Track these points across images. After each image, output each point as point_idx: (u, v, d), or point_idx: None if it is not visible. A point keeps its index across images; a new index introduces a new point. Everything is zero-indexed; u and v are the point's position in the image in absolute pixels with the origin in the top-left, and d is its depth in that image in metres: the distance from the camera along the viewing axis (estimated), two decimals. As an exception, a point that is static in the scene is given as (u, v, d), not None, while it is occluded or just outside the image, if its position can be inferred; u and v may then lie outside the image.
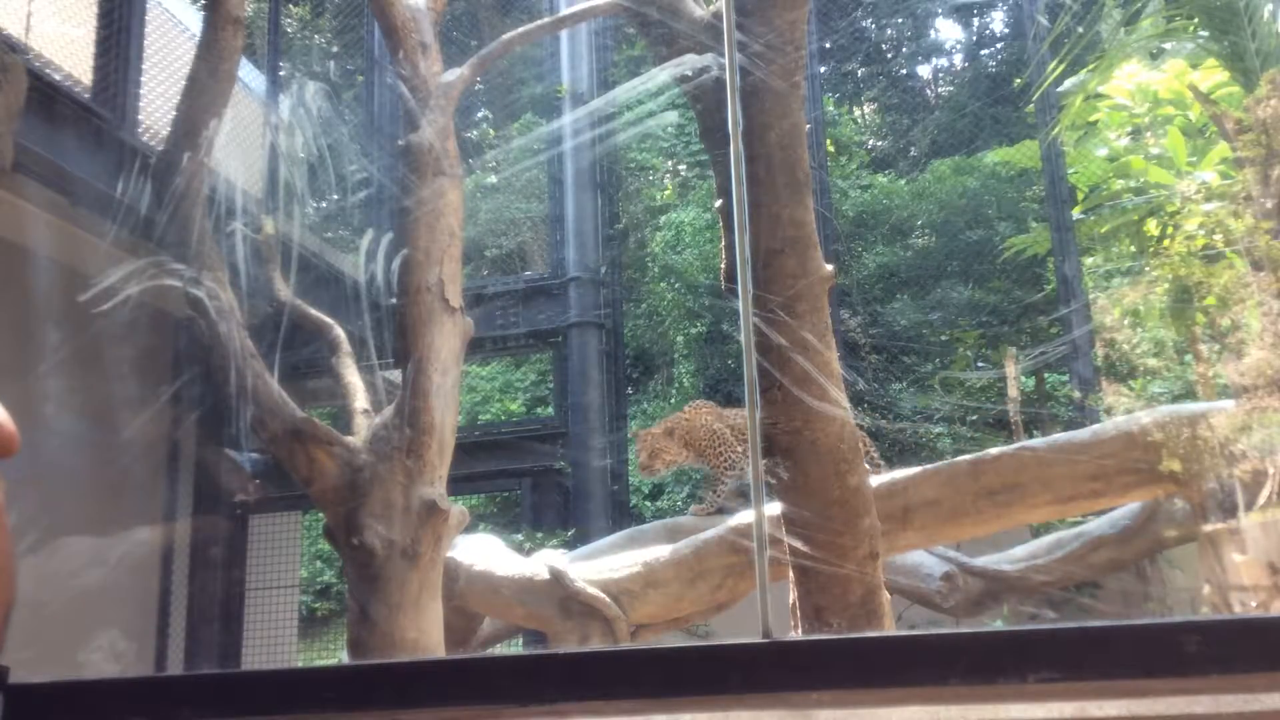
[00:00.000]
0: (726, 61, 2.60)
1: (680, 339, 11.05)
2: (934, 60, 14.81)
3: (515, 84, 12.64)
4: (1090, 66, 8.26)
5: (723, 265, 3.27)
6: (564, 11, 6.60)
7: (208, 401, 7.23)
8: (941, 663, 1.27)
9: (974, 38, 14.47)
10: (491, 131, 13.57)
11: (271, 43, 9.27)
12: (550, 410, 10.95)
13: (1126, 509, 5.92)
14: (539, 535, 8.19)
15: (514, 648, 7.02)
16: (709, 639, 5.80)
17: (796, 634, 3.23)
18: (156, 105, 7.07)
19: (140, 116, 6.97)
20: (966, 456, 5.26)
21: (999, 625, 5.90)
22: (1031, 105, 9.45)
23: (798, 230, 3.12)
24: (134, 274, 4.24)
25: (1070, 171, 8.90)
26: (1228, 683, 1.18)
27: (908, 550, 5.80)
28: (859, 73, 14.18)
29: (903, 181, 12.54)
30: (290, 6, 11.86)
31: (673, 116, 10.77)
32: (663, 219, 11.69)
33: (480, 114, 13.69)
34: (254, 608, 8.27)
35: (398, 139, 4.62)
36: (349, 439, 4.25)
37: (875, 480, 4.38)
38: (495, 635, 6.65)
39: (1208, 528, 4.73)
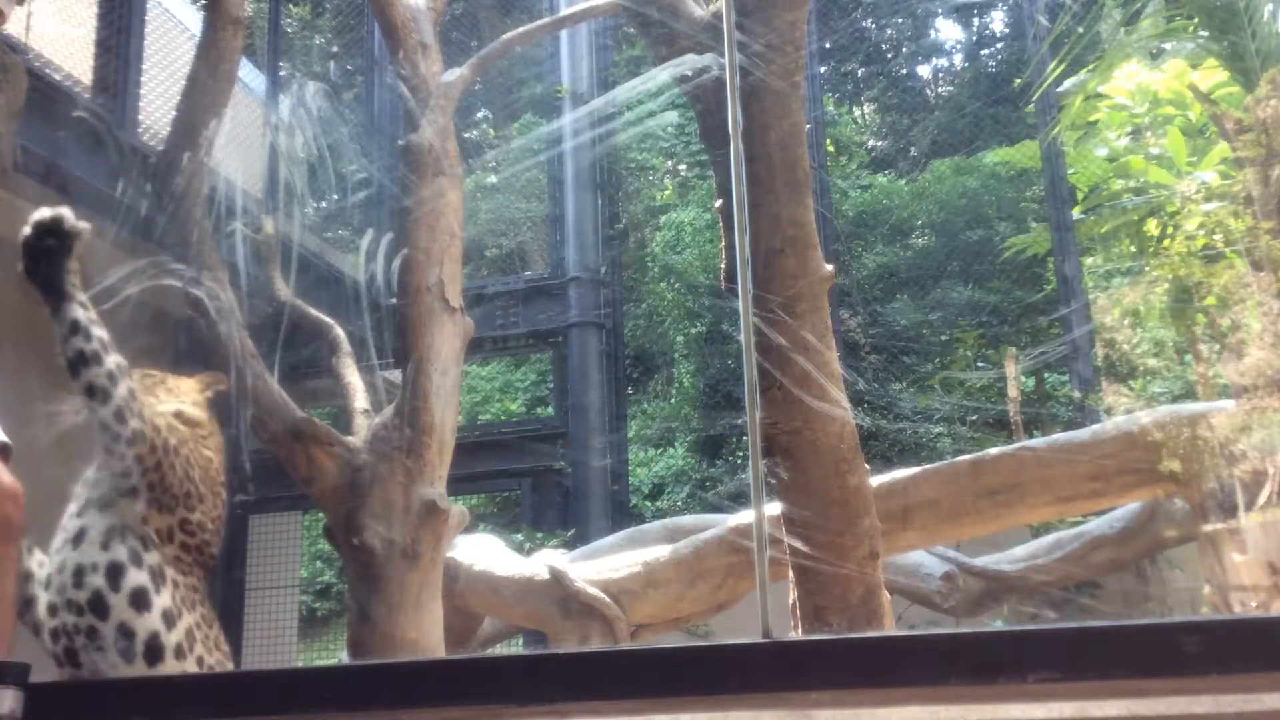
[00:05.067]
0: (726, 61, 2.60)
1: (680, 339, 11.05)
2: (934, 60, 14.81)
3: (515, 84, 12.64)
4: (1090, 66, 8.26)
5: (723, 265, 3.27)
6: (564, 11, 6.60)
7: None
8: (941, 663, 1.27)
9: (974, 38, 14.47)
10: (491, 131, 13.57)
11: (271, 43, 9.27)
12: (550, 410, 10.95)
13: (1126, 509, 5.92)
14: (539, 535, 8.18)
15: (514, 648, 7.02)
16: (709, 639, 5.80)
17: (796, 634, 3.23)
18: (156, 105, 7.07)
19: (140, 116, 6.97)
20: (966, 456, 5.26)
21: (999, 625, 5.91)
22: (1031, 105, 9.45)
23: (798, 230, 3.12)
24: (134, 274, 4.23)
25: (1070, 171, 8.89)
26: (1228, 683, 1.18)
27: (908, 550, 5.80)
28: (859, 73, 14.18)
29: (903, 181, 12.54)
30: (290, 6, 11.86)
31: (673, 116, 10.77)
32: (663, 219, 11.69)
33: (480, 114, 13.69)
34: (254, 608, 8.26)
35: (398, 139, 4.62)
36: (349, 439, 4.25)
37: (875, 480, 4.38)
38: (495, 635, 6.65)
39: (1208, 528, 4.73)
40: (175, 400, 2.69)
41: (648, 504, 10.39)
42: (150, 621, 2.15)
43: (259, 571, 8.33)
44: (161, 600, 2.19)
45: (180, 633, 2.20)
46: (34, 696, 1.66)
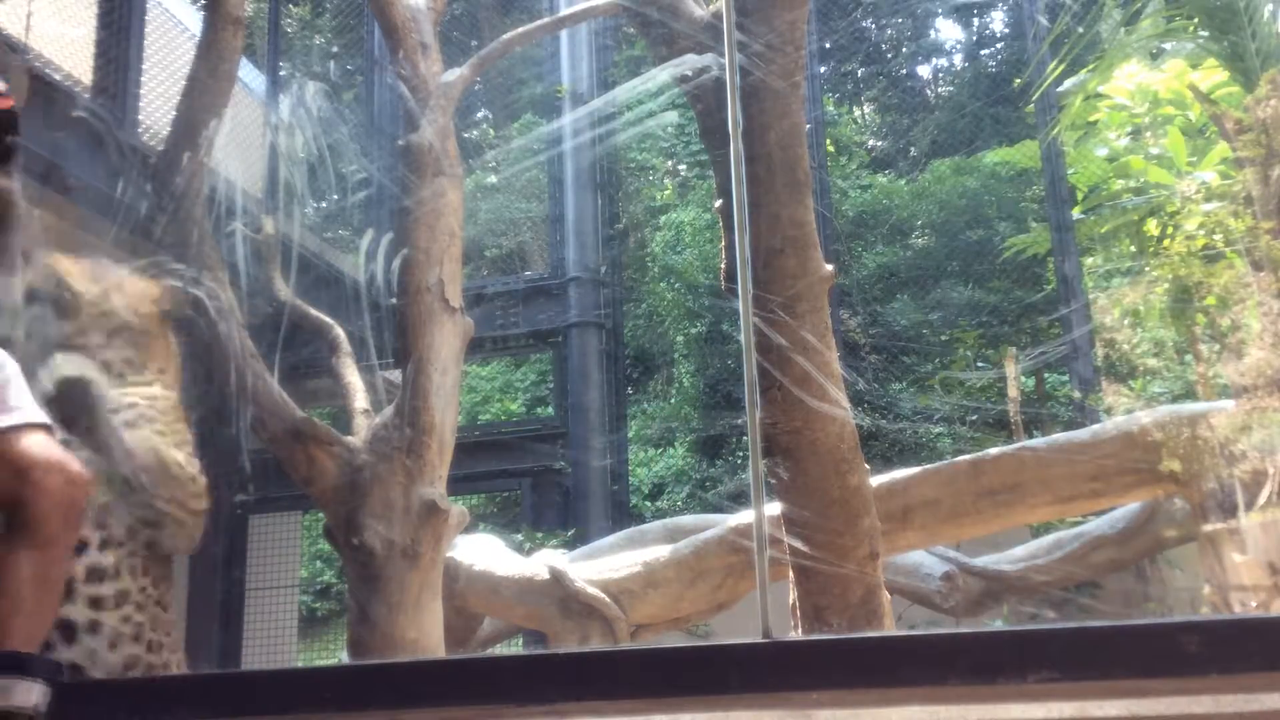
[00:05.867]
0: (726, 61, 2.60)
1: (680, 339, 11.05)
2: (934, 60, 14.81)
3: (515, 84, 12.64)
4: (1090, 66, 8.26)
5: (723, 265, 3.27)
6: (564, 11, 6.60)
7: (208, 401, 7.21)
8: (941, 663, 1.27)
9: (974, 38, 14.46)
10: (491, 131, 13.57)
11: (271, 43, 9.26)
12: (550, 410, 10.95)
13: (1126, 509, 5.92)
14: (539, 535, 8.18)
15: (514, 648, 7.02)
16: (709, 639, 5.79)
17: (796, 634, 3.23)
18: (156, 105, 7.06)
19: (140, 116, 6.96)
20: (966, 456, 5.26)
21: (999, 625, 5.91)
22: (1031, 105, 9.45)
23: (798, 230, 3.12)
24: (134, 274, 4.23)
25: (1070, 171, 8.89)
26: (1228, 683, 1.18)
27: (908, 550, 5.80)
28: (859, 73, 14.17)
29: (903, 181, 12.54)
30: (290, 6, 11.86)
31: (673, 116, 10.77)
32: (663, 219, 11.69)
33: (480, 114, 13.68)
34: (254, 608, 8.26)
35: (398, 139, 4.62)
36: (349, 439, 4.25)
37: (875, 480, 4.38)
38: (495, 635, 6.65)
39: (1208, 528, 4.73)
40: (127, 313, 2.63)
41: (648, 504, 10.39)
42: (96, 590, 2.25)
43: (259, 571, 8.33)
44: (104, 588, 2.27)
45: (115, 619, 2.25)
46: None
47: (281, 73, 9.37)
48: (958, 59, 14.62)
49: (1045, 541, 6.34)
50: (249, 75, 8.58)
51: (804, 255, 3.12)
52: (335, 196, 8.72)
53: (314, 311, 5.02)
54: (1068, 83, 8.28)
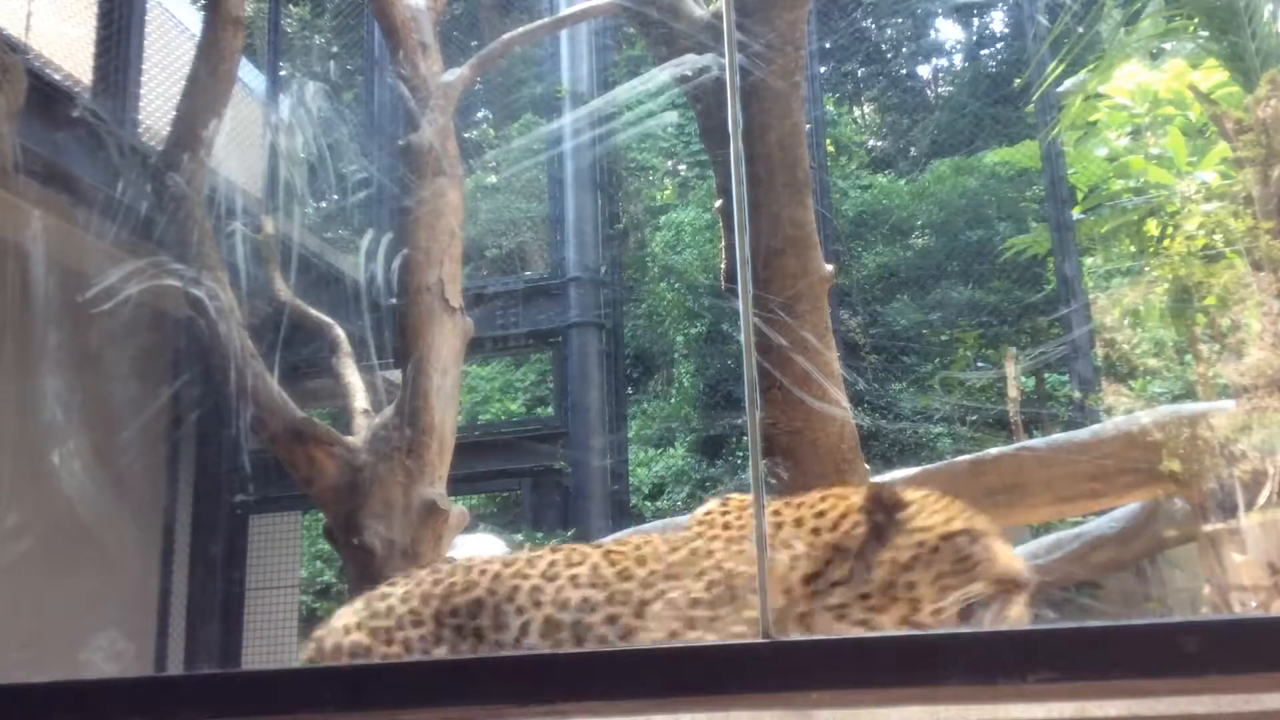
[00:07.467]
0: (726, 61, 2.60)
1: (680, 339, 11.06)
2: (934, 60, 14.82)
3: (515, 84, 12.64)
4: (1090, 66, 8.26)
5: (723, 265, 3.27)
6: (564, 11, 6.60)
7: (208, 401, 7.22)
8: (941, 663, 1.27)
9: (974, 38, 14.47)
10: (491, 131, 13.57)
11: (271, 43, 9.26)
12: (550, 410, 10.95)
13: (1126, 509, 5.92)
14: (539, 535, 8.18)
15: (514, 648, 7.01)
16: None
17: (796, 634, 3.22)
18: (156, 105, 7.06)
19: (140, 116, 6.96)
20: (966, 456, 5.26)
21: (999, 625, 5.88)
22: (1031, 105, 9.45)
23: (798, 230, 3.13)
24: (134, 274, 4.23)
25: (1070, 171, 8.89)
26: (1228, 683, 1.18)
27: (908, 550, 5.79)
28: (859, 73, 14.18)
29: (903, 181, 12.54)
30: (290, 6, 11.86)
31: (673, 116, 10.77)
32: (663, 219, 11.69)
33: (480, 114, 13.69)
34: (254, 608, 8.26)
35: (398, 139, 4.63)
36: (349, 439, 4.25)
37: (875, 480, 4.37)
38: (495, 635, 6.64)
39: (1208, 528, 4.73)
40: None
41: (648, 504, 10.39)
42: None
43: (259, 571, 8.33)
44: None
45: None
46: (32, 696, 1.66)
47: (281, 73, 9.37)
48: (958, 59, 14.62)
49: (1045, 541, 6.33)
50: (249, 75, 8.58)
51: (804, 255, 3.12)
52: (335, 196, 8.72)
53: (314, 311, 5.03)
54: (1068, 83, 8.28)
